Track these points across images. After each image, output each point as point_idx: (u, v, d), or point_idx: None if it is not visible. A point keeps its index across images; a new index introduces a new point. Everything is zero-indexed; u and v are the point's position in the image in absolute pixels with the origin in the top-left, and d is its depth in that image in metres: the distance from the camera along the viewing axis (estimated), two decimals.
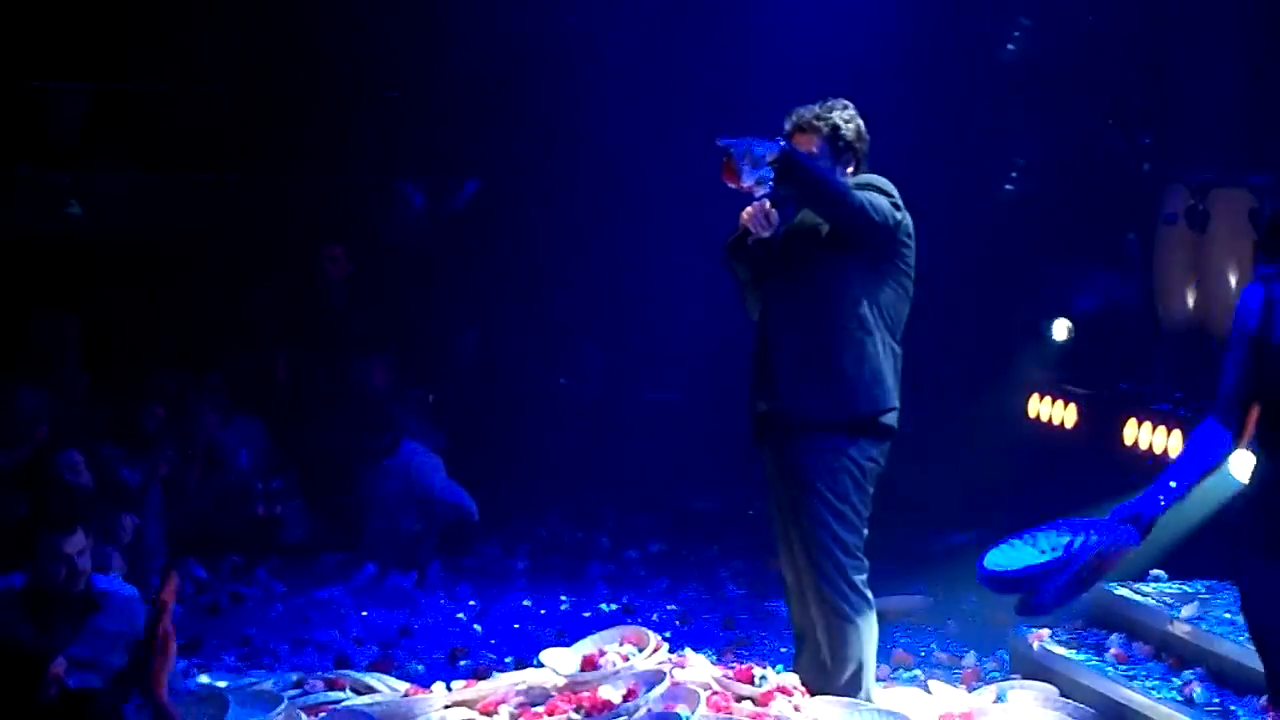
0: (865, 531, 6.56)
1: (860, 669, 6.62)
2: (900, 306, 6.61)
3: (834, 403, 6.46)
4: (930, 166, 10.43)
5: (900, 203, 6.53)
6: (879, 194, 6.47)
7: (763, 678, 7.09)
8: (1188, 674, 6.99)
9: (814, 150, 6.57)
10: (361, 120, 12.20)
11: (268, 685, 7.15)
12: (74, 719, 5.53)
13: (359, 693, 7.27)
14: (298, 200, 12.25)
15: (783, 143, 6.33)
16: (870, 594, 6.57)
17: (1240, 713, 6.67)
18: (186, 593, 9.32)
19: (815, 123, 6.61)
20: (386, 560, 9.97)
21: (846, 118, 6.62)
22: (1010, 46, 10.97)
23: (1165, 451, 9.17)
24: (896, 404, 6.55)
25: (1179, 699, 6.79)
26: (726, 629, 8.78)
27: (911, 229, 6.58)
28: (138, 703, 5.59)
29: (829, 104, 6.63)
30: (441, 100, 12.20)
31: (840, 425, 6.48)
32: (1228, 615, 7.29)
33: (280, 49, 11.85)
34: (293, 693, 7.16)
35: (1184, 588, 7.78)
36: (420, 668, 8.02)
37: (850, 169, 6.65)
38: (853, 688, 6.62)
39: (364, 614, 9.14)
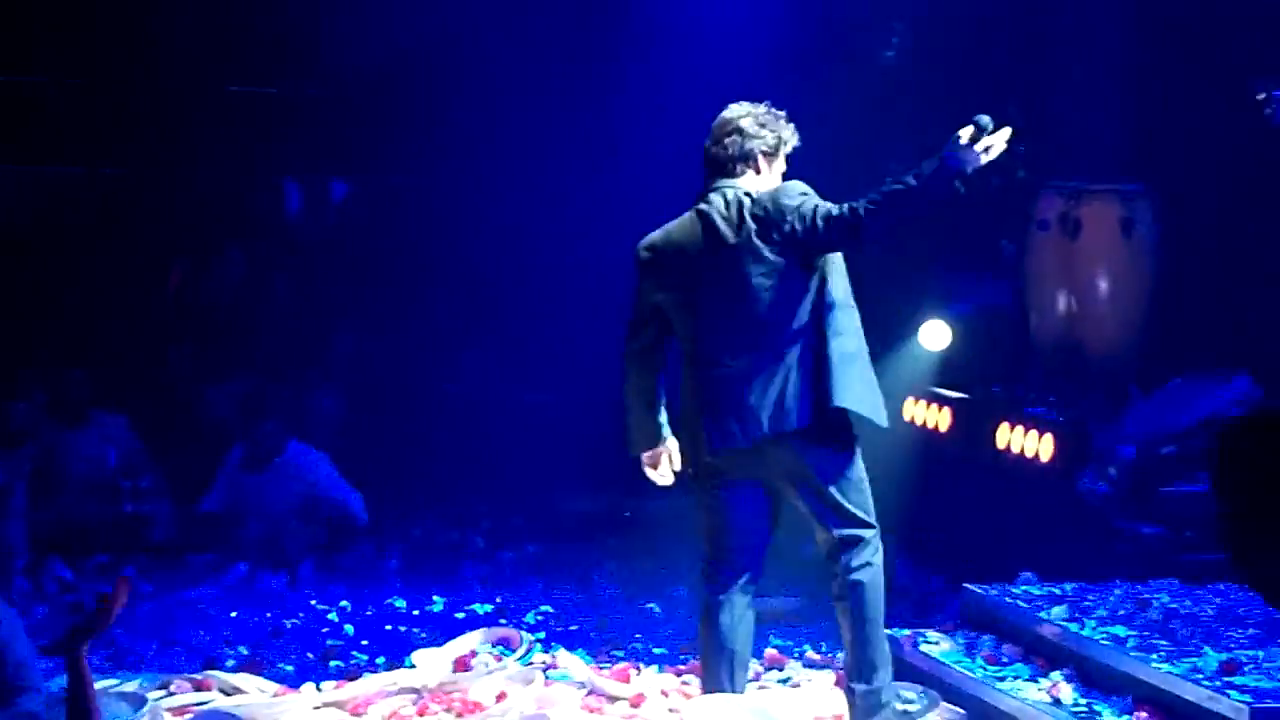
0: None
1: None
2: None
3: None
4: (807, 172, 10.59)
5: None
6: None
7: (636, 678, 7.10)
8: (1056, 675, 7.03)
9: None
10: (237, 118, 12.05)
11: (133, 686, 7.06)
12: None
13: (227, 694, 7.21)
14: (173, 197, 12.11)
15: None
16: None
17: (1106, 712, 6.74)
18: (49, 592, 9.18)
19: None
20: (258, 560, 9.87)
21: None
22: (889, 53, 11.04)
23: (1037, 455, 9.22)
24: None
25: (1047, 700, 6.83)
26: (600, 630, 8.75)
27: None
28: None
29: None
30: (319, 99, 12.11)
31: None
32: (1098, 617, 7.38)
33: (155, 42, 11.71)
34: (159, 694, 7.09)
35: (1053, 590, 7.82)
36: (290, 669, 7.94)
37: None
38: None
39: (233, 614, 9.03)
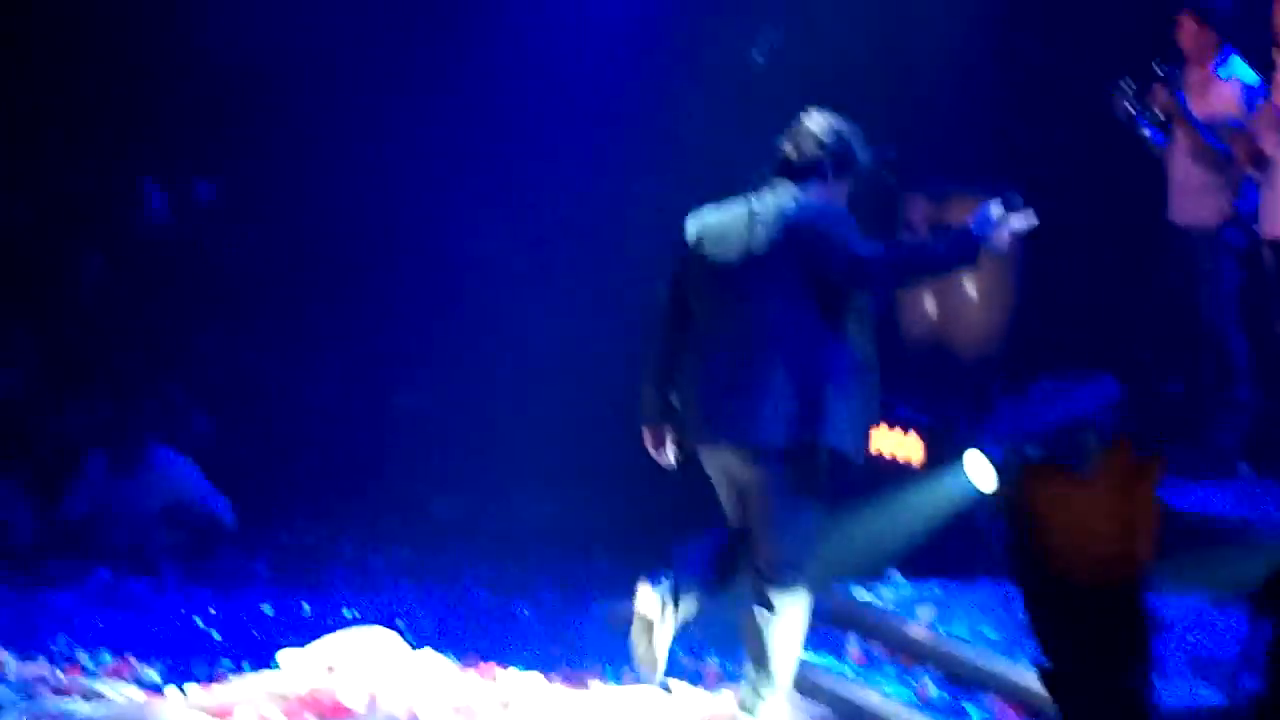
0: None
1: None
2: None
3: None
4: (678, 179, 10.37)
5: None
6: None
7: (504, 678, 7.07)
8: (922, 673, 7.04)
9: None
10: (99, 117, 11.89)
11: None
12: None
13: (90, 700, 7.08)
14: (34, 197, 11.96)
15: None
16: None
17: (972, 710, 6.76)
18: None
19: None
20: (122, 565, 9.74)
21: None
22: (759, 58, 10.97)
23: (908, 459, 9.23)
24: None
25: (914, 698, 6.85)
26: (470, 631, 8.69)
27: None
28: None
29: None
30: (184, 99, 11.92)
31: None
32: (966, 616, 7.42)
33: (6, 41, 11.55)
34: (20, 701, 6.97)
35: (920, 589, 7.87)
36: (155, 674, 7.83)
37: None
38: None
39: (97, 620, 8.91)
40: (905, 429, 9.32)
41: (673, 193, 9.92)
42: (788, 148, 6.63)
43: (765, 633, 6.40)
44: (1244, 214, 9.04)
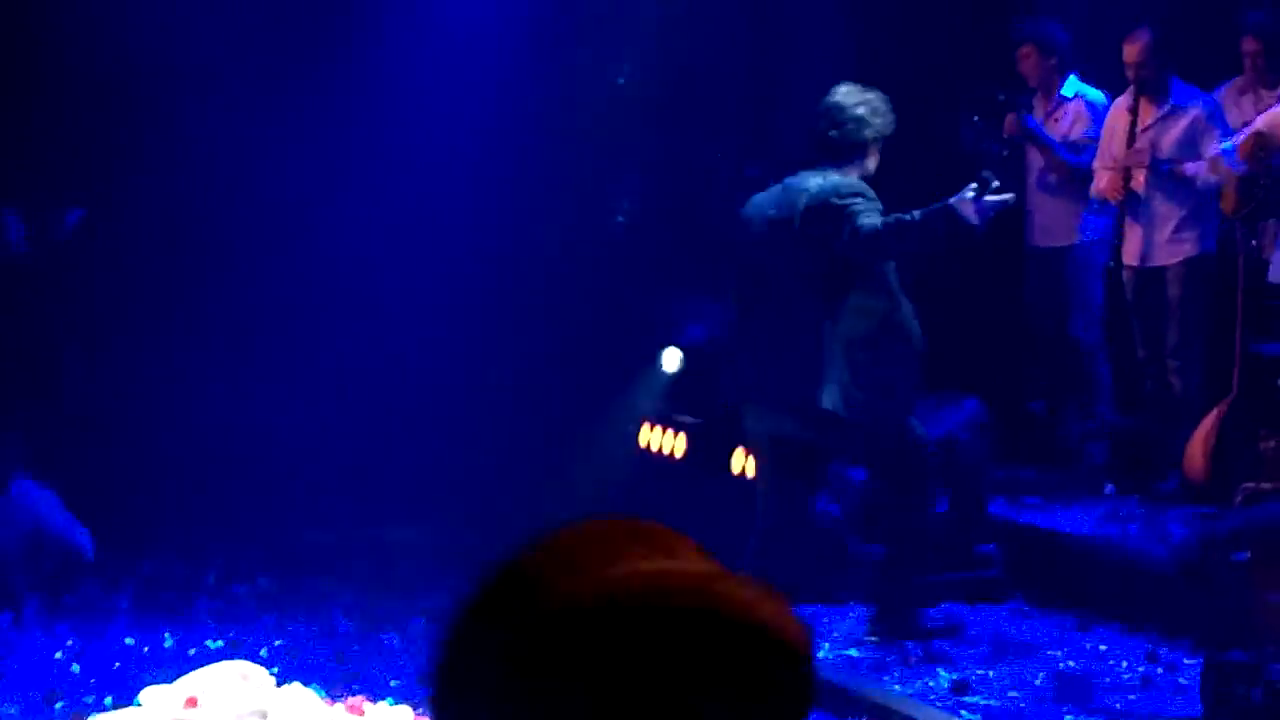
0: None
1: None
2: None
3: None
4: (544, 195, 10.62)
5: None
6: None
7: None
8: None
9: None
10: None
11: None
12: None
13: None
14: None
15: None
16: None
17: None
18: None
19: None
20: None
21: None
22: (620, 80, 10.97)
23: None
24: None
25: None
26: (337, 663, 8.58)
27: None
28: None
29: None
30: (44, 123, 11.65)
31: None
32: (834, 639, 7.37)
33: None
34: None
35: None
36: (14, 710, 7.73)
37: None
38: None
39: None
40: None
41: (546, 210, 10.58)
42: (830, 131, 6.96)
43: None
44: (1108, 238, 9.18)
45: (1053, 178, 9.51)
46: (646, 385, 10.30)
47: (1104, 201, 9.09)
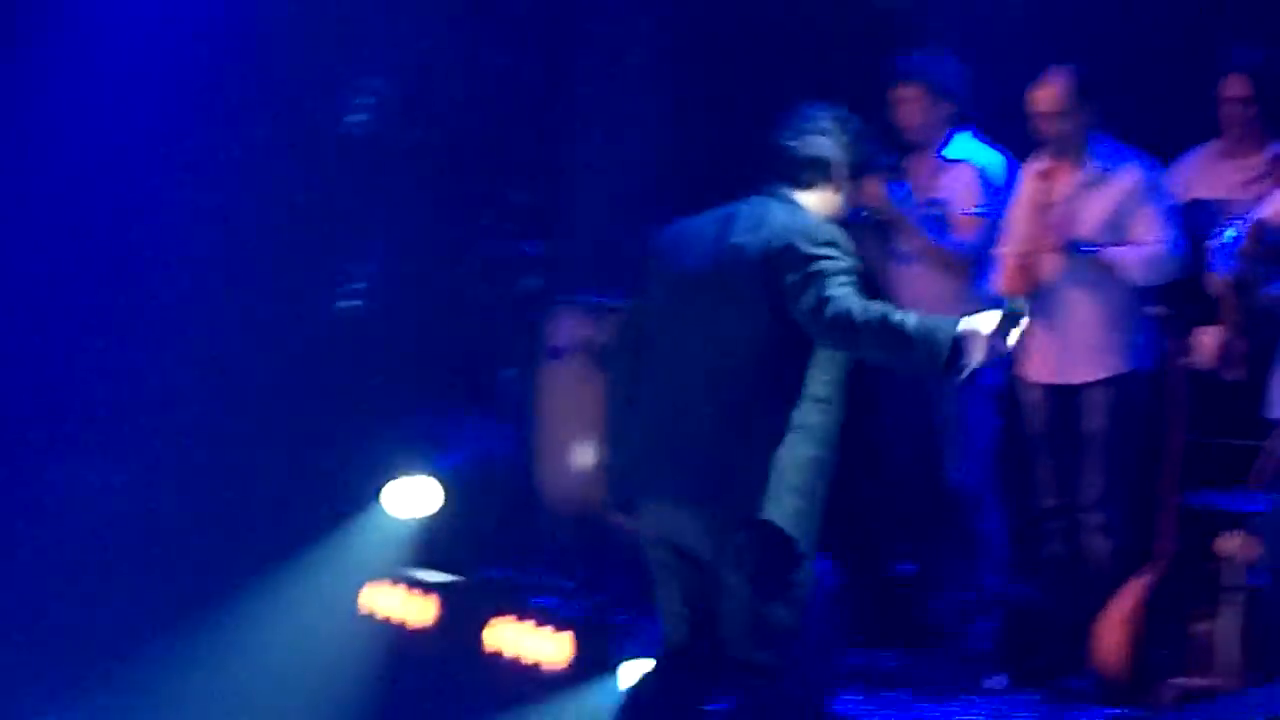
0: None
1: None
2: None
3: None
4: (249, 278, 9.74)
5: None
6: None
7: None
8: None
9: None
10: None
11: None
12: None
13: None
14: None
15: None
16: None
17: None
18: None
19: None
20: None
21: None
22: (360, 116, 10.05)
23: (539, 664, 8.36)
24: None
25: None
26: None
27: None
28: None
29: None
30: None
31: None
32: None
33: None
34: None
35: None
36: None
37: None
38: None
39: None
40: (548, 625, 8.47)
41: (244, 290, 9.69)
42: (791, 145, 6.34)
43: None
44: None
45: (925, 265, 8.49)
46: (379, 530, 9.35)
47: (1005, 298, 7.69)
